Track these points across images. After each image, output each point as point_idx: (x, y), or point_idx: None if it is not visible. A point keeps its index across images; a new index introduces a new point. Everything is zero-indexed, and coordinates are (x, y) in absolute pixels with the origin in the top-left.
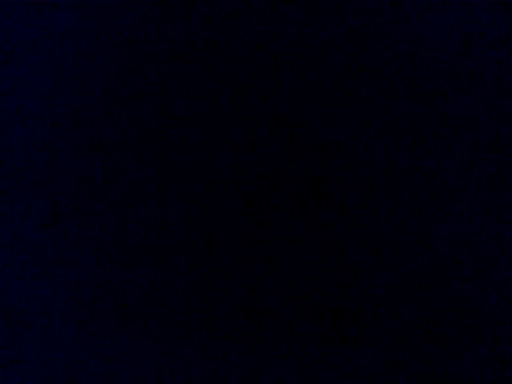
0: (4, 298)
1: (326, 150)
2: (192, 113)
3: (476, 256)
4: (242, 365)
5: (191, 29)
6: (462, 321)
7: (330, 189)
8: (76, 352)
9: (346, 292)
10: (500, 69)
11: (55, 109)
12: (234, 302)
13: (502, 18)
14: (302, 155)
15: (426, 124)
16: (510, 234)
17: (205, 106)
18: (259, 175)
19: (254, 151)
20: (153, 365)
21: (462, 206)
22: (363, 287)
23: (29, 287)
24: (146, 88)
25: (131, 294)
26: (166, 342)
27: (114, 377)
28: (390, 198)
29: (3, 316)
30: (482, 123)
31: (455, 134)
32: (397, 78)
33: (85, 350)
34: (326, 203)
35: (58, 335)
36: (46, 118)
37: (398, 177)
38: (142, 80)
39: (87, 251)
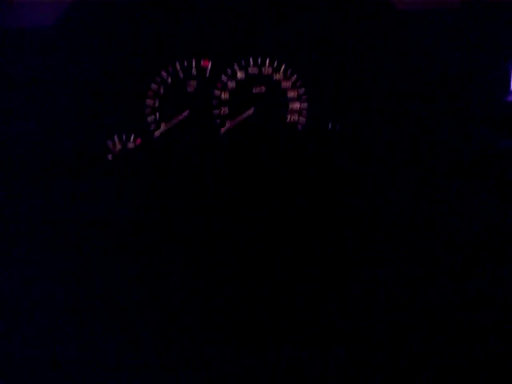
0: (4, 298)
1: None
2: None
3: (477, 254)
4: (240, 362)
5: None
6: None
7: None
8: (74, 352)
9: (346, 291)
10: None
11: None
12: (231, 299)
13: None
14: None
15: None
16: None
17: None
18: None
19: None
20: (152, 366)
21: (463, 206)
22: (362, 286)
23: (28, 286)
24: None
25: (130, 294)
26: (166, 343)
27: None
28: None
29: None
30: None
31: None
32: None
33: (83, 351)
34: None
35: (57, 335)
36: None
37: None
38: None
39: (86, 252)
